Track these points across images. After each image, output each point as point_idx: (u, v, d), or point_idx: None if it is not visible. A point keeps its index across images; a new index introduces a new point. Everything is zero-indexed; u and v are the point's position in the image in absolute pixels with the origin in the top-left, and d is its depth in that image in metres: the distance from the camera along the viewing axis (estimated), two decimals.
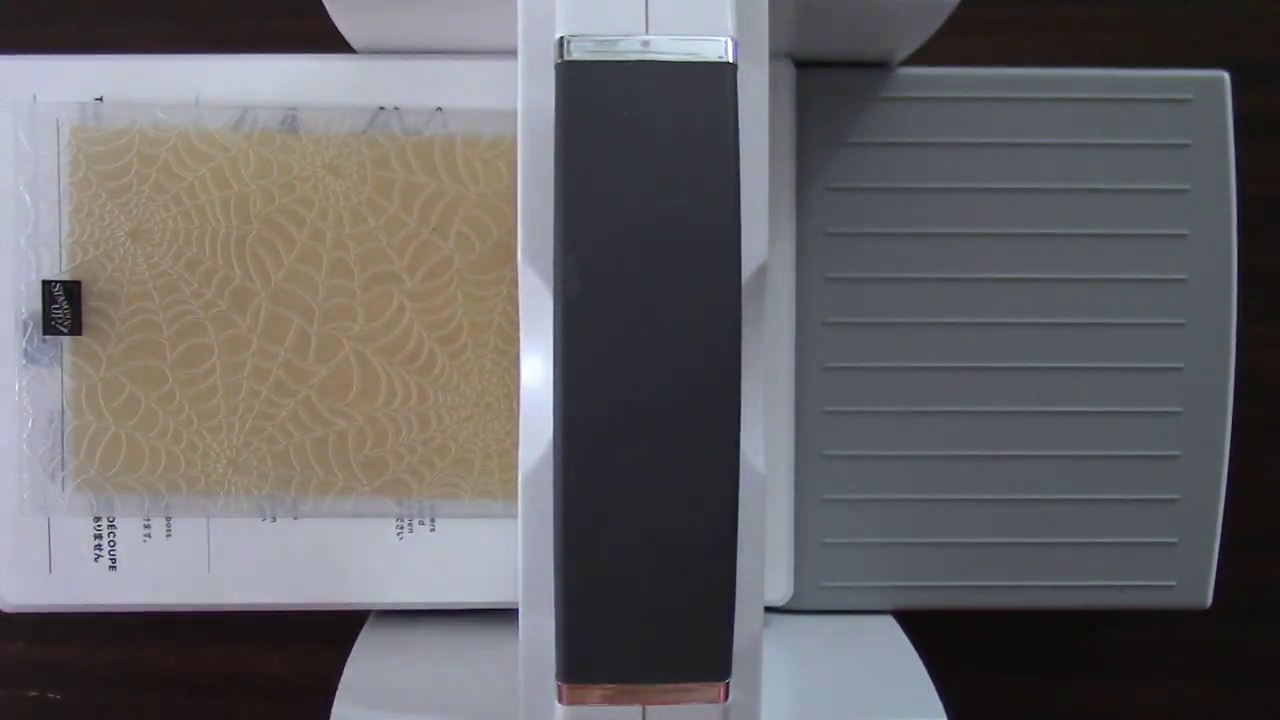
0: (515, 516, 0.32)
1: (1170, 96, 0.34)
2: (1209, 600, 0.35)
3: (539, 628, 0.26)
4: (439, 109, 0.33)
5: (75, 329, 0.32)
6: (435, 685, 0.32)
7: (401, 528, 0.33)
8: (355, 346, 0.32)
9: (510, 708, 0.27)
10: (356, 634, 0.35)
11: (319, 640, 0.39)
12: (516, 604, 0.26)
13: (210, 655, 0.39)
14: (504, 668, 0.30)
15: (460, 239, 0.32)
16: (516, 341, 0.32)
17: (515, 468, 0.32)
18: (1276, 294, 0.39)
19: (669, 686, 0.24)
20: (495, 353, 0.32)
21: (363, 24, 0.32)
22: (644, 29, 0.24)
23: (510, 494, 0.33)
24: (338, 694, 0.31)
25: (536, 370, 0.26)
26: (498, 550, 0.33)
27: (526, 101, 0.26)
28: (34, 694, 0.39)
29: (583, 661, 0.24)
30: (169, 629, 0.39)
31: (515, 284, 0.32)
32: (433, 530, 0.33)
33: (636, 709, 0.24)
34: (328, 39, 0.32)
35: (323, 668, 0.34)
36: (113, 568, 0.33)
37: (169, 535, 0.33)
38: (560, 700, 0.24)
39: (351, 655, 0.33)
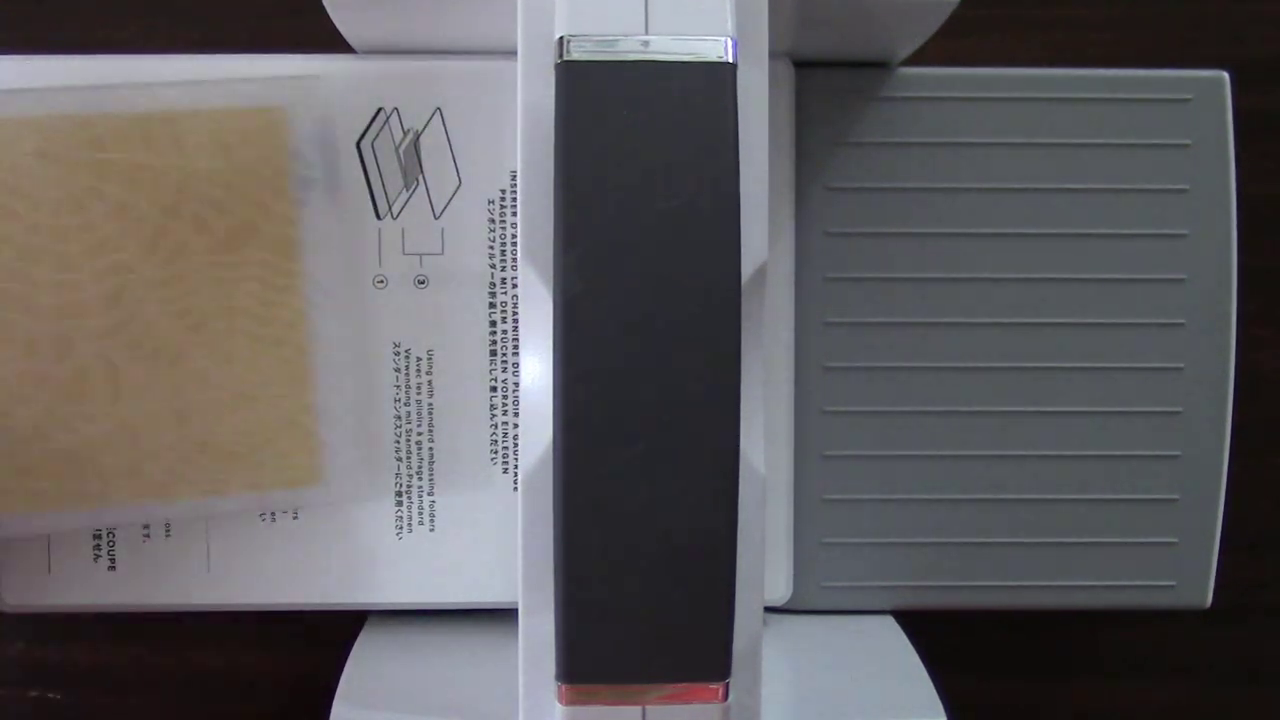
0: (288, 510, 0.32)
1: (1170, 96, 0.34)
2: (1209, 600, 0.35)
3: (539, 628, 0.26)
4: (438, 109, 0.33)
5: None
6: (435, 685, 0.32)
7: (401, 528, 0.33)
8: (94, 345, 0.30)
9: (510, 708, 0.27)
10: (356, 634, 0.35)
11: (319, 640, 0.39)
12: (516, 604, 0.26)
13: (210, 655, 0.39)
14: (504, 668, 0.30)
15: (195, 220, 0.30)
16: (273, 323, 0.30)
17: (290, 455, 0.31)
18: (1276, 294, 0.39)
19: (669, 686, 0.24)
20: (249, 338, 0.30)
21: (363, 24, 0.32)
22: (644, 29, 0.24)
23: (282, 482, 0.31)
24: (338, 694, 0.31)
25: (536, 370, 0.26)
26: (497, 550, 0.33)
27: (526, 101, 0.26)
28: (34, 694, 0.39)
29: (582, 662, 0.24)
30: (169, 629, 0.39)
31: (262, 264, 0.30)
32: (433, 530, 0.33)
33: (636, 709, 0.24)
34: (328, 39, 0.32)
35: (323, 668, 0.34)
36: (112, 568, 0.33)
37: (168, 535, 0.33)
38: (560, 701, 0.24)
39: (351, 655, 0.33)
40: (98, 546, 0.33)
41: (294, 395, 0.31)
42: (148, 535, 0.33)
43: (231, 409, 0.31)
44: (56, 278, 0.30)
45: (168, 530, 0.33)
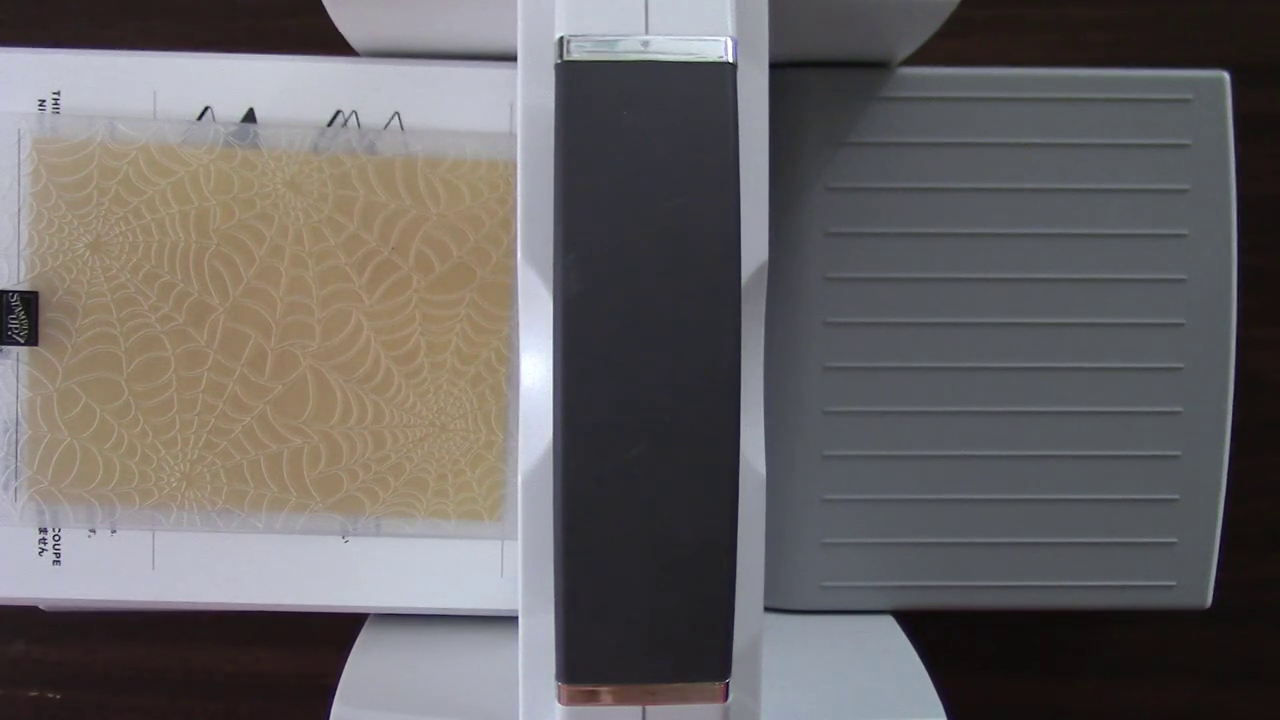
0: (466, 537, 0.33)
1: (1170, 96, 0.34)
2: (1209, 600, 0.35)
3: (539, 628, 0.26)
4: (396, 113, 0.33)
5: (32, 339, 0.32)
6: (435, 685, 0.32)
7: (348, 533, 0.33)
8: (312, 364, 0.32)
9: (510, 708, 0.27)
10: (356, 634, 0.35)
11: (319, 640, 0.39)
12: (514, 612, 0.26)
13: (210, 655, 0.39)
14: (504, 668, 0.30)
15: (420, 259, 0.32)
16: (475, 362, 0.32)
17: (471, 488, 0.33)
18: (1276, 294, 0.39)
19: (669, 686, 0.24)
20: (452, 373, 0.33)
21: (363, 24, 0.31)
22: (644, 29, 0.24)
23: (463, 514, 0.33)
24: (337, 694, 0.31)
25: (536, 370, 0.26)
26: (453, 557, 0.33)
27: (526, 101, 0.26)
28: (34, 694, 0.39)
29: (582, 662, 0.24)
30: (169, 629, 0.39)
31: (473, 305, 0.33)
32: (378, 535, 0.33)
33: (636, 709, 0.24)
34: (328, 39, 0.32)
35: (323, 668, 0.34)
36: (56, 562, 0.33)
37: (114, 532, 0.33)
38: (560, 701, 0.24)
39: (351, 655, 0.33)
40: (43, 541, 0.33)
41: (485, 432, 0.33)
42: (93, 532, 0.33)
43: (424, 438, 0.33)
44: (289, 299, 0.32)
45: (113, 527, 0.33)
